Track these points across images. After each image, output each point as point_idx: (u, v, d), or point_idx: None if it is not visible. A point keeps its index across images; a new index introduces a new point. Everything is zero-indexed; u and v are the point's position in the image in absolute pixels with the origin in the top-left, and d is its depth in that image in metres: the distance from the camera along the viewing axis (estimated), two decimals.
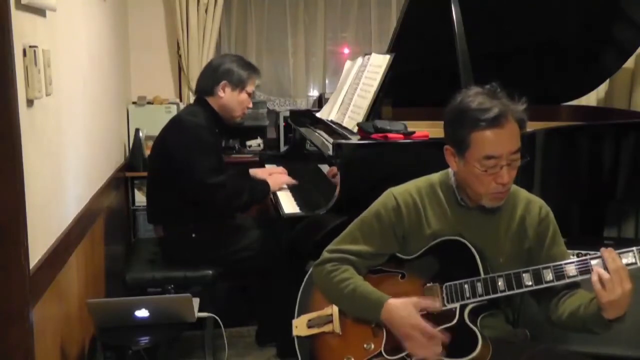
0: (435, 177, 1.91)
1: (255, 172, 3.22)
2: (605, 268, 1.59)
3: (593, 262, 1.64)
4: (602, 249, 1.63)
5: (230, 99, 2.89)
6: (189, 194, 2.75)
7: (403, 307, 1.75)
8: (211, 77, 2.90)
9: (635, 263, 1.61)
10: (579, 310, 1.71)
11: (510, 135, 1.70)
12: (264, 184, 2.94)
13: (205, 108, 2.89)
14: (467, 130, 1.71)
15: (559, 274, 1.66)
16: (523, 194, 1.89)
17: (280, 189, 2.98)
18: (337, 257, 1.89)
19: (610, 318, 1.62)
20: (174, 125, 2.88)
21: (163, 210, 2.89)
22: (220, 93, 2.88)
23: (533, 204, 1.87)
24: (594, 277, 1.60)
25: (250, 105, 2.99)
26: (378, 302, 1.79)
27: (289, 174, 3.12)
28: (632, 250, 1.61)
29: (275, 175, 3.07)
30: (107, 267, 3.07)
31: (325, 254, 1.92)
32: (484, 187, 1.75)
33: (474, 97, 1.73)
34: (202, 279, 2.78)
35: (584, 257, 1.65)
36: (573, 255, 2.60)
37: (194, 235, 2.81)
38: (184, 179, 2.73)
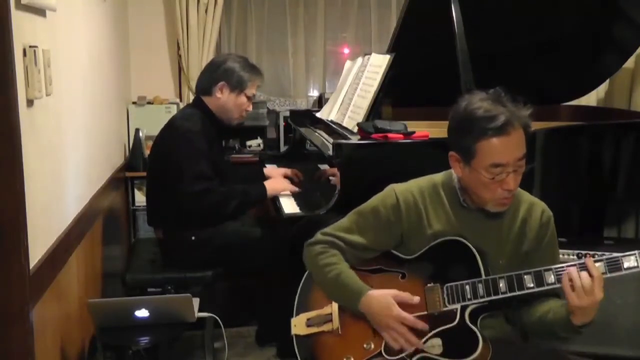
0: (437, 177, 1.91)
1: (269, 171, 3.20)
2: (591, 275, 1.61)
3: (595, 264, 1.63)
4: (586, 259, 1.64)
5: (228, 101, 2.85)
6: (179, 201, 2.71)
7: (381, 298, 1.77)
8: (210, 77, 2.86)
9: (637, 266, 1.61)
10: (548, 315, 1.75)
11: (516, 143, 1.70)
12: (260, 187, 2.87)
13: (201, 109, 2.86)
14: (474, 139, 1.70)
15: (561, 276, 1.66)
16: (526, 196, 1.89)
17: (281, 193, 2.95)
18: (328, 240, 1.89)
19: (578, 323, 1.65)
20: (168, 129, 2.85)
21: (162, 212, 2.88)
22: (218, 94, 2.85)
23: (536, 207, 1.86)
24: (565, 279, 1.63)
25: (250, 109, 2.92)
26: (358, 292, 1.79)
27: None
28: (635, 254, 1.61)
29: (276, 179, 3.02)
30: (107, 267, 3.07)
31: (318, 236, 1.93)
32: (490, 194, 1.75)
33: (479, 103, 1.71)
34: (202, 279, 2.78)
35: (585, 260, 1.64)
36: (573, 255, 2.61)
37: (193, 238, 2.80)
38: (174, 186, 2.71)
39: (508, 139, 1.68)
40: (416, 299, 1.77)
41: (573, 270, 1.63)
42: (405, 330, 1.74)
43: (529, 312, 1.80)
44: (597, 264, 1.63)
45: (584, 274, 1.61)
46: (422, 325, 1.74)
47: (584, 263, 1.63)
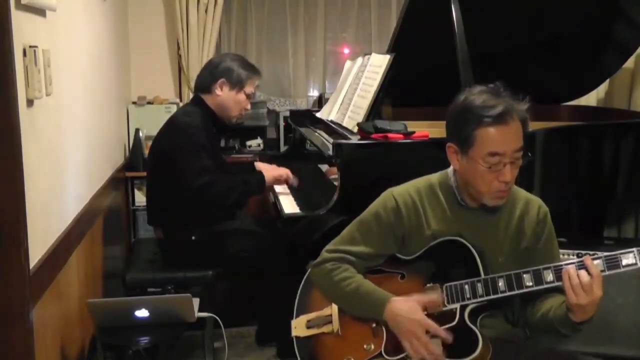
0: (434, 177, 1.91)
1: (259, 166, 3.21)
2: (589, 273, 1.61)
3: (594, 262, 1.63)
4: (585, 258, 1.64)
5: (227, 98, 2.87)
6: (181, 197, 2.73)
7: (406, 305, 1.76)
8: (210, 75, 2.88)
9: (636, 264, 1.61)
10: (549, 312, 1.75)
11: (514, 133, 1.71)
12: (259, 175, 2.91)
13: (201, 107, 2.87)
14: (472, 127, 1.71)
15: (560, 274, 1.66)
16: (522, 193, 1.90)
17: (281, 190, 2.95)
18: (336, 257, 1.89)
19: (577, 321, 1.66)
20: (167, 127, 2.87)
21: (162, 212, 2.88)
22: (218, 91, 2.86)
23: (532, 204, 1.87)
24: (564, 277, 1.63)
25: (249, 107, 2.95)
26: (381, 300, 1.78)
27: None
28: (633, 251, 1.61)
29: (272, 168, 3.04)
30: (107, 267, 3.07)
31: (324, 254, 1.92)
32: (487, 186, 1.75)
33: (478, 95, 1.73)
34: (202, 279, 2.78)
35: (583, 258, 1.64)
36: (573, 255, 2.61)
37: (193, 237, 2.80)
38: (176, 181, 2.72)
39: (506, 128, 1.69)
40: (439, 299, 1.75)
41: (571, 269, 1.63)
42: (428, 340, 1.71)
43: (532, 310, 1.81)
44: (595, 262, 1.63)
45: (583, 272, 1.62)
46: (445, 335, 1.71)
47: (582, 261, 1.63)
